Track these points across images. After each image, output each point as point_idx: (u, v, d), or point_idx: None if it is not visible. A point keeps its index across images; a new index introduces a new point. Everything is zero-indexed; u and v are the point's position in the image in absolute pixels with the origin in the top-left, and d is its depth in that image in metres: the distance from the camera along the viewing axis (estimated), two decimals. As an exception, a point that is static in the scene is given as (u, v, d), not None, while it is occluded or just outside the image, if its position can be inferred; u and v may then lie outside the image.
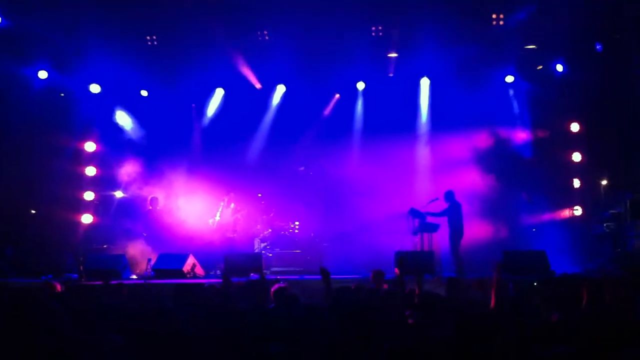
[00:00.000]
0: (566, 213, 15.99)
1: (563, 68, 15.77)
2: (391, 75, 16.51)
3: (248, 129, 17.37)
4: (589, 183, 16.00)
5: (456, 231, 13.83)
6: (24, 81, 15.46)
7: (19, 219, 15.56)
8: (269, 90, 17.36)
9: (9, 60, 14.84)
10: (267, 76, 16.78)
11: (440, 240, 14.37)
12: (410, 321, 5.72)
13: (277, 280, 9.32)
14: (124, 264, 13.74)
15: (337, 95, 17.39)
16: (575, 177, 16.06)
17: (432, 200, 14.18)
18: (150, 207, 15.83)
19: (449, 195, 14.08)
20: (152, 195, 15.98)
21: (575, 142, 16.16)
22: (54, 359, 4.19)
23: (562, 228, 15.65)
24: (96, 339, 4.14)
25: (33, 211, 16.06)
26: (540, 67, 16.09)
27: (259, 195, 16.92)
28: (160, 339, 4.03)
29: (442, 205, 14.15)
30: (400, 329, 5.05)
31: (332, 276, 11.85)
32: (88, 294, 8.37)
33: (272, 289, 7.51)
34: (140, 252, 14.93)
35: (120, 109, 16.89)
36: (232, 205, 15.74)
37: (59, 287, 9.18)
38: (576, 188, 16.05)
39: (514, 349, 4.37)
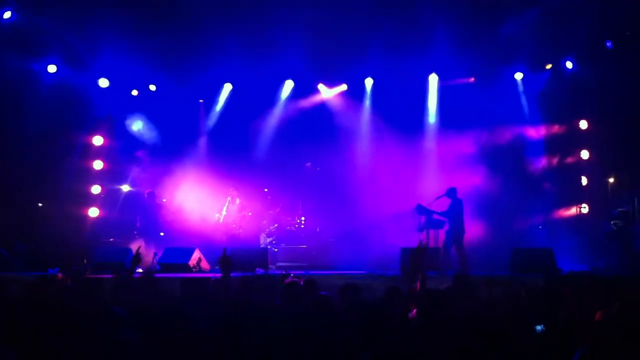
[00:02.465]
0: (574, 211, 15.96)
1: (573, 65, 15.71)
2: (400, 74, 16.47)
3: (255, 124, 17.37)
4: (597, 181, 15.94)
5: (457, 228, 13.76)
6: (33, 76, 15.46)
7: (28, 213, 15.59)
8: (276, 86, 17.34)
9: (19, 55, 14.85)
10: (275, 71, 16.76)
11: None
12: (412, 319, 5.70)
13: (286, 275, 9.33)
14: (130, 257, 13.76)
15: (345, 87, 17.30)
16: (583, 175, 16.01)
17: (439, 197, 14.12)
18: (148, 201, 15.80)
19: (452, 192, 14.01)
20: (149, 190, 15.95)
21: (583, 139, 16.10)
22: (65, 353, 4.19)
23: (569, 226, 15.62)
24: (107, 334, 4.16)
25: (40, 204, 16.10)
26: (550, 65, 16.03)
27: (265, 190, 16.93)
28: (170, 334, 4.05)
29: (447, 201, 14.09)
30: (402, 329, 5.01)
31: (338, 272, 11.89)
32: (94, 287, 8.37)
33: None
34: (145, 246, 14.99)
35: (132, 115, 16.80)
36: (238, 201, 15.75)
37: (62, 279, 9.22)
38: (584, 186, 16.01)
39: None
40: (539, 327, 4.43)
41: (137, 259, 8.12)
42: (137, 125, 16.72)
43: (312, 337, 4.06)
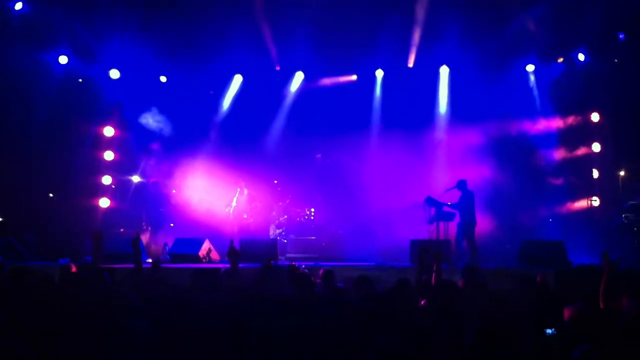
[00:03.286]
0: (585, 203, 15.88)
1: (585, 57, 15.61)
2: (411, 65, 16.41)
3: (266, 115, 17.36)
4: (608, 173, 15.86)
5: (468, 220, 13.70)
6: (44, 67, 15.50)
7: (38, 203, 15.66)
8: (287, 78, 17.32)
9: (30, 46, 14.90)
10: (285, 63, 16.74)
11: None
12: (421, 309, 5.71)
13: (295, 267, 9.32)
14: (140, 248, 13.81)
15: (354, 77, 17.24)
16: (594, 168, 15.93)
17: (449, 189, 14.06)
18: (153, 191, 15.92)
19: (462, 184, 13.95)
20: (154, 180, 16.04)
21: (595, 132, 16.01)
22: (72, 341, 4.21)
23: (580, 219, 15.55)
24: (118, 324, 4.18)
25: (51, 195, 16.17)
26: (562, 59, 15.93)
27: (275, 182, 16.94)
28: (182, 326, 4.06)
29: (457, 193, 14.04)
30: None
31: (347, 263, 11.88)
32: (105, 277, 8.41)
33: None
34: (154, 236, 15.10)
35: (142, 106, 16.80)
36: (246, 191, 15.77)
37: (74, 268, 9.28)
38: (595, 178, 15.93)
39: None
40: (549, 331, 4.39)
41: (135, 242, 8.15)
42: (148, 117, 16.74)
43: (320, 329, 4.08)
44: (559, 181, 16.01)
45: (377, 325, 4.29)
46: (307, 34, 15.02)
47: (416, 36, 15.47)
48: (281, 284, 7.28)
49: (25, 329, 4.29)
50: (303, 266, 9.74)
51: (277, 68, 16.96)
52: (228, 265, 10.29)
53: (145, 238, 14.90)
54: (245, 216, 15.63)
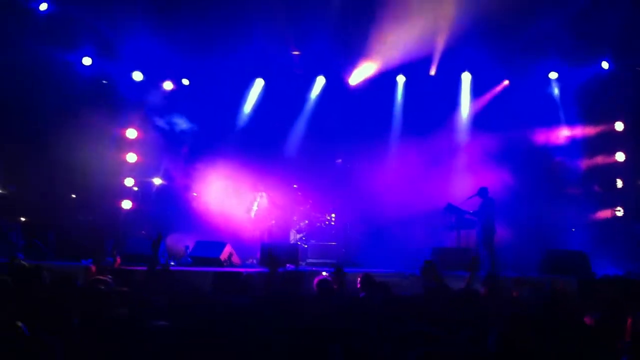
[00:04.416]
0: (608, 213, 15.69)
1: (609, 65, 15.46)
2: (432, 73, 16.34)
3: (287, 120, 17.36)
4: (632, 183, 15.68)
5: (488, 228, 13.60)
6: (67, 68, 15.65)
7: (61, 204, 15.79)
8: (308, 82, 17.33)
9: (54, 47, 15.03)
10: (307, 67, 16.76)
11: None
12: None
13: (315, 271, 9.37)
14: (162, 250, 13.89)
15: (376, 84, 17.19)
16: (618, 177, 15.75)
17: (471, 197, 13.99)
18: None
19: (483, 192, 13.86)
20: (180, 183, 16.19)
21: (619, 141, 15.83)
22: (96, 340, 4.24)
23: (603, 229, 15.37)
24: (140, 323, 4.20)
25: (73, 196, 16.29)
26: (586, 65, 15.82)
27: (295, 186, 16.92)
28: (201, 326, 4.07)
29: (478, 201, 13.95)
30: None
31: (367, 269, 11.86)
32: (124, 278, 8.51)
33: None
34: (176, 239, 15.14)
35: (165, 109, 16.91)
36: (265, 194, 15.79)
37: (94, 269, 9.37)
38: (619, 188, 15.74)
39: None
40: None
41: (155, 245, 8.17)
42: (171, 120, 16.85)
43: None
44: (582, 190, 15.84)
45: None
46: (329, 38, 15.03)
47: (439, 42, 15.39)
48: (302, 288, 7.31)
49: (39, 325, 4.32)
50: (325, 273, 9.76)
51: (299, 72, 16.99)
52: (250, 270, 10.35)
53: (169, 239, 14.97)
54: (267, 219, 15.66)
